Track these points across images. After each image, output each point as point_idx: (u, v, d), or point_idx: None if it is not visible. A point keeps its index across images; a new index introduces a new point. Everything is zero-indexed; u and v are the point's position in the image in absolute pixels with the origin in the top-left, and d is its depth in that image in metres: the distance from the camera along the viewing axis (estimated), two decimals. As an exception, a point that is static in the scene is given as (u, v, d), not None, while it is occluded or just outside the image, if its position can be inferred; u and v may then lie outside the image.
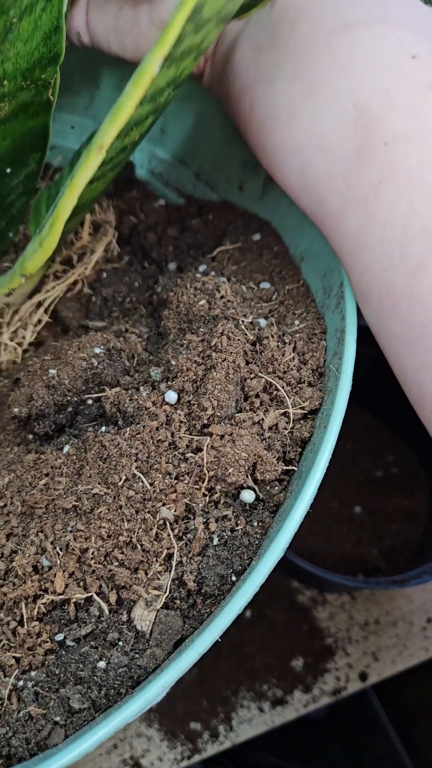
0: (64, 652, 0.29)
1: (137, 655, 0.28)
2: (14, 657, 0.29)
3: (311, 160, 0.34)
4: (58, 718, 0.27)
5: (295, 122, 0.34)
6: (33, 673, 0.29)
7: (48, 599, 0.30)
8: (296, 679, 0.64)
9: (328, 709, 0.78)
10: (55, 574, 0.30)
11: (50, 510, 0.32)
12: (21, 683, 0.28)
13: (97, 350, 0.38)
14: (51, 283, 0.44)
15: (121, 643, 0.28)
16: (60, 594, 0.30)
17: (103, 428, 0.35)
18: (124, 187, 0.53)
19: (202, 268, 0.43)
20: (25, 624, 0.30)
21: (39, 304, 0.44)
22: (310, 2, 0.34)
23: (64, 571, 0.30)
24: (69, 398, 0.37)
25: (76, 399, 0.37)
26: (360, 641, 0.66)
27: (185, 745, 0.60)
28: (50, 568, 0.30)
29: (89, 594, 0.29)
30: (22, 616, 0.30)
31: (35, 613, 0.30)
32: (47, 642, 0.29)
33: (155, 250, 0.48)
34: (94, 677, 0.28)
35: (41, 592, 0.30)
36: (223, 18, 0.29)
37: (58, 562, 0.30)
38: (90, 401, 0.37)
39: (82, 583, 0.30)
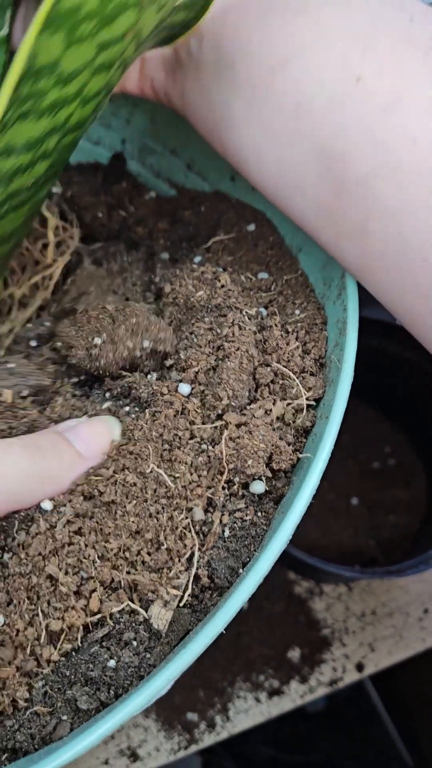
0: (74, 653, 0.28)
1: (148, 654, 0.28)
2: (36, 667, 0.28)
3: (292, 199, 0.34)
4: (64, 717, 0.27)
5: (265, 166, 0.34)
6: (44, 673, 0.28)
7: (86, 621, 0.28)
8: (293, 669, 0.64)
9: (326, 701, 0.78)
10: (90, 593, 0.29)
11: (98, 505, 0.31)
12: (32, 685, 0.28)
13: (146, 344, 0.37)
14: (15, 312, 0.44)
15: (134, 642, 0.28)
16: (97, 613, 0.28)
17: (126, 408, 0.35)
18: (113, 181, 0.52)
19: (197, 259, 0.43)
20: (57, 650, 0.28)
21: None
22: (241, 38, 0.33)
23: (101, 584, 0.29)
24: (99, 373, 0.37)
25: (102, 373, 0.37)
26: (357, 632, 0.66)
27: (182, 735, 0.60)
28: (88, 579, 0.29)
29: (124, 605, 0.28)
30: (58, 643, 0.28)
31: (72, 643, 0.28)
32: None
33: (145, 244, 0.48)
34: (104, 677, 0.27)
35: (80, 616, 0.28)
36: (104, 66, 0.29)
37: (94, 573, 0.29)
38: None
39: (115, 595, 0.29)
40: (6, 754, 0.27)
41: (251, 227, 0.44)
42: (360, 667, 0.65)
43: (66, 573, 0.29)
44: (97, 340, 0.36)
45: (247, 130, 0.33)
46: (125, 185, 0.51)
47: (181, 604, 0.29)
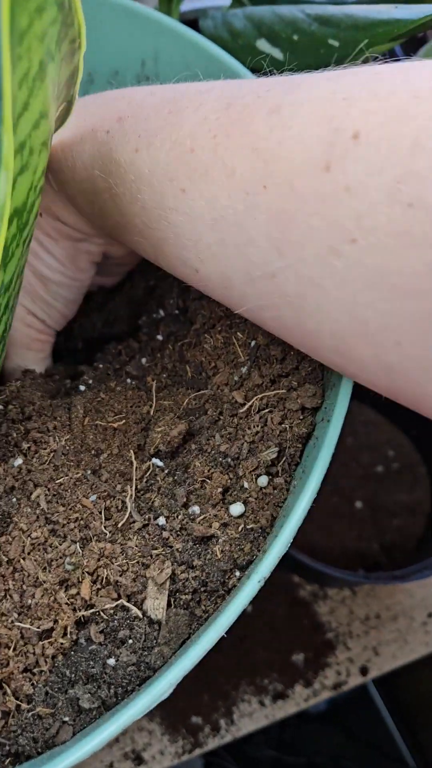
0: (73, 653, 0.29)
1: (146, 653, 0.28)
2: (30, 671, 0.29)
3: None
4: (66, 718, 0.27)
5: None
6: (44, 672, 0.28)
7: (78, 615, 0.29)
8: (297, 673, 0.64)
9: (330, 704, 0.78)
10: (80, 580, 0.29)
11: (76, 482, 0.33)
12: (31, 684, 0.28)
13: None
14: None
15: (131, 641, 0.28)
16: (90, 606, 0.29)
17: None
18: None
19: None
20: (53, 646, 0.29)
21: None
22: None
23: (89, 575, 0.30)
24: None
25: None
26: (361, 636, 0.66)
27: (186, 738, 0.60)
28: (75, 569, 0.30)
29: (117, 603, 0.29)
30: (54, 643, 0.29)
31: (67, 640, 0.29)
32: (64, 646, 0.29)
33: None
34: (105, 674, 0.28)
35: (71, 613, 0.29)
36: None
37: (84, 563, 0.30)
38: None
39: (105, 591, 0.29)
40: (9, 759, 0.27)
41: None
42: (364, 671, 0.65)
43: (46, 569, 0.30)
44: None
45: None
46: None
47: (175, 605, 0.29)
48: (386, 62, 0.25)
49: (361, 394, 0.74)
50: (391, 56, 0.72)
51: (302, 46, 0.40)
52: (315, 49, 0.39)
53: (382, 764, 0.74)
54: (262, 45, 0.43)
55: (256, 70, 0.42)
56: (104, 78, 0.49)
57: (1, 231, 0.20)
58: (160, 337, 0.41)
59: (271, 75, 0.29)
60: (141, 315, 0.44)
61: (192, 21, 0.52)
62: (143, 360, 0.40)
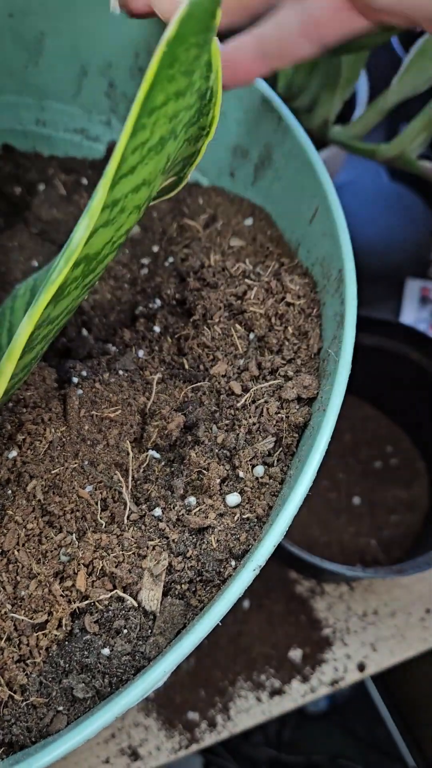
0: (67, 643, 0.28)
1: (141, 643, 0.28)
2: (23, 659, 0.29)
3: None
4: (61, 708, 0.27)
5: None
6: (37, 662, 0.28)
7: (73, 607, 0.29)
8: (294, 669, 0.64)
9: (328, 702, 0.78)
10: (75, 571, 0.29)
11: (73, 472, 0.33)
12: (25, 675, 0.28)
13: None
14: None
15: (126, 631, 0.28)
16: (85, 598, 0.29)
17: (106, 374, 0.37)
18: None
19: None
20: (47, 637, 0.29)
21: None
22: None
23: (85, 566, 0.30)
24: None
25: None
26: (358, 632, 0.66)
27: (183, 734, 0.60)
28: (70, 560, 0.30)
29: (112, 593, 0.29)
30: (48, 634, 0.29)
31: (59, 633, 0.29)
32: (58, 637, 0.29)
33: (147, 239, 0.48)
34: (99, 664, 0.27)
35: (66, 605, 0.29)
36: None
37: (79, 554, 0.30)
38: None
39: (100, 582, 0.29)
40: (2, 749, 0.27)
41: (249, 221, 0.44)
42: (362, 667, 0.64)
43: (41, 561, 0.30)
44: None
45: None
46: None
47: (170, 594, 0.29)
48: None
49: (360, 390, 0.74)
50: (387, 49, 0.72)
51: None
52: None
53: (381, 763, 0.74)
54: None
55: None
56: (98, 70, 0.49)
57: (63, 270, 0.22)
58: (157, 329, 0.41)
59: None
60: (137, 305, 0.44)
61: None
62: (140, 353, 0.40)
